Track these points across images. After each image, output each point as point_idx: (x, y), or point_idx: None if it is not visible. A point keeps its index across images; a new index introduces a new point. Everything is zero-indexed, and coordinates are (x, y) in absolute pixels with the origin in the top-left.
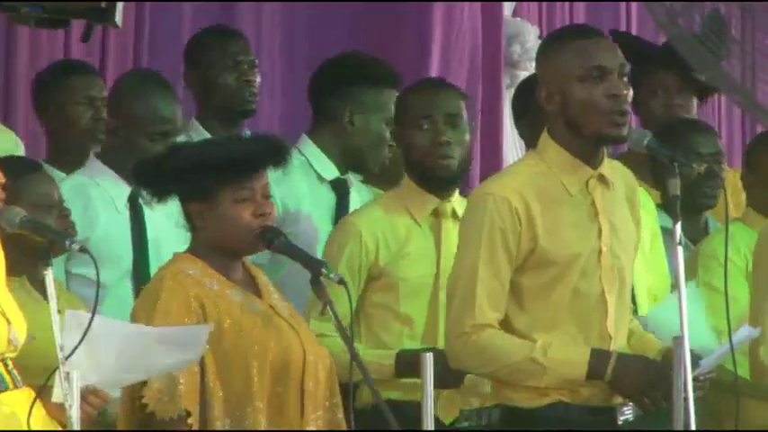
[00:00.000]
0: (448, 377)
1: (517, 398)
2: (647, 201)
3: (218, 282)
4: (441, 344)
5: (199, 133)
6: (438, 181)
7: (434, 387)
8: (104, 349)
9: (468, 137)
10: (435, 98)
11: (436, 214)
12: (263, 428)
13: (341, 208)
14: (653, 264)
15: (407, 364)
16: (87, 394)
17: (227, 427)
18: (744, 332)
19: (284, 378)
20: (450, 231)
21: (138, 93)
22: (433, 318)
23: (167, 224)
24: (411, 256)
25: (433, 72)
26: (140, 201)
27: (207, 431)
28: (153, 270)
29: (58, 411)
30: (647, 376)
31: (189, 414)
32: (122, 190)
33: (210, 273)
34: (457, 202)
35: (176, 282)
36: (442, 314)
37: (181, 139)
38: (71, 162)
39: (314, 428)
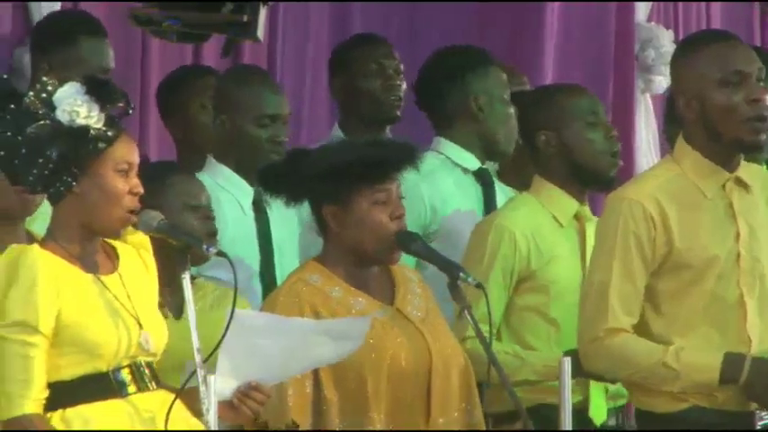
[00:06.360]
0: None
1: (654, 402)
2: None
3: (342, 289)
4: None
5: None
6: (608, 181)
7: None
8: (267, 345)
9: None
10: (594, 97)
11: (578, 217)
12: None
13: (488, 198)
14: None
15: None
16: (250, 390)
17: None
18: None
19: (406, 382)
20: (592, 234)
21: (241, 82)
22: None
23: (286, 226)
24: (560, 259)
25: (548, 71)
26: (263, 203)
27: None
28: (278, 271)
29: (224, 410)
30: None
31: (297, 425)
32: (246, 191)
33: (335, 281)
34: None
35: (293, 291)
36: None
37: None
38: (199, 167)
39: (442, 429)
